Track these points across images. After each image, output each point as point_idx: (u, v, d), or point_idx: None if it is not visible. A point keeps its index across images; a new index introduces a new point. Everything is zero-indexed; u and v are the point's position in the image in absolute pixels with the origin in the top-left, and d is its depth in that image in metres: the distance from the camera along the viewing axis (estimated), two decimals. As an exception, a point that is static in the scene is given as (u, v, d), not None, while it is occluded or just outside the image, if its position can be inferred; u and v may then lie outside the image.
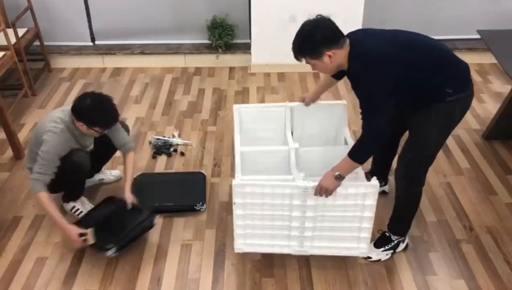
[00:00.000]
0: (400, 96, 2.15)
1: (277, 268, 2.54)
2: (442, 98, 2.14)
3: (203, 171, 3.18)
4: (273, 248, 2.49)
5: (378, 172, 2.86)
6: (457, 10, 4.43)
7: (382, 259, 2.56)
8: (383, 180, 2.94)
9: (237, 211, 2.36)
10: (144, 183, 3.06)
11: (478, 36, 3.21)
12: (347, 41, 2.13)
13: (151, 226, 2.67)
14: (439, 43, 2.22)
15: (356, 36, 2.16)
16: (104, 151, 2.90)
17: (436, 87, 2.14)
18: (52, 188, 2.58)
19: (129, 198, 2.67)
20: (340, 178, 2.19)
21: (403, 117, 2.34)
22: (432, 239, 2.70)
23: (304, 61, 2.18)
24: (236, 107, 2.84)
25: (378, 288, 2.44)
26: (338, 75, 2.42)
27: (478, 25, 3.56)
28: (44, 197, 2.48)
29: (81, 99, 2.52)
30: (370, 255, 2.54)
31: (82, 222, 2.62)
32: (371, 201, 2.28)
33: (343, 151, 2.28)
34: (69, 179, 2.68)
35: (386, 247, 2.56)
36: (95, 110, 2.48)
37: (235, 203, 2.34)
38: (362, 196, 2.27)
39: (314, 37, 2.09)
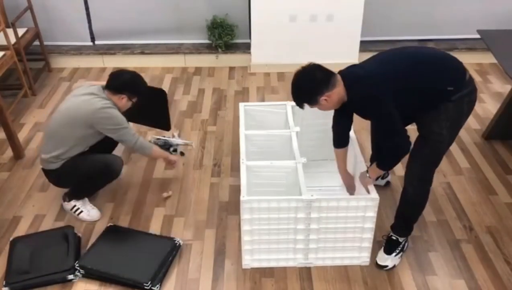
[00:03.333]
0: (407, 105, 2.24)
1: (277, 268, 2.54)
2: (448, 97, 2.21)
3: (178, 240, 2.67)
4: (279, 262, 2.54)
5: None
6: (457, 10, 4.43)
7: (396, 264, 2.55)
8: None
9: (244, 227, 2.40)
10: (109, 239, 2.68)
11: (478, 36, 3.21)
12: (338, 77, 2.25)
13: None
14: (429, 47, 2.36)
15: (347, 69, 2.32)
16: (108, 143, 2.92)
17: (437, 89, 2.21)
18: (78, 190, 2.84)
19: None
20: (370, 178, 2.47)
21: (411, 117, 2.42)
22: (432, 239, 2.70)
23: (304, 106, 2.33)
24: (241, 104, 3.04)
25: (378, 288, 2.44)
26: (345, 140, 2.62)
27: (478, 25, 3.57)
28: (156, 148, 2.92)
29: (119, 76, 2.74)
30: (385, 264, 2.52)
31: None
32: (372, 213, 2.37)
33: None
34: (102, 182, 2.86)
35: (397, 251, 2.55)
36: (136, 82, 2.77)
37: (243, 219, 2.37)
38: (363, 208, 2.36)
39: (306, 89, 2.26)
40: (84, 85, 2.80)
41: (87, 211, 2.84)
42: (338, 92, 2.23)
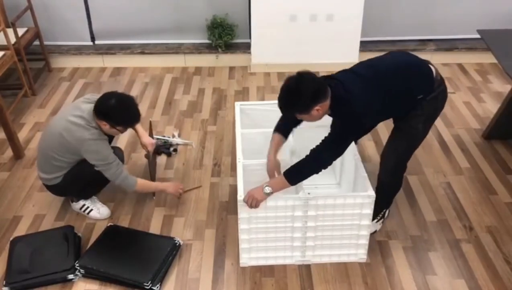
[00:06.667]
0: (385, 114, 2.45)
1: (277, 267, 2.55)
2: (422, 101, 2.34)
3: (178, 240, 2.66)
4: (277, 260, 2.56)
5: None
6: (457, 10, 4.43)
7: (378, 229, 2.72)
8: None
9: (242, 226, 2.41)
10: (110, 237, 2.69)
11: (478, 36, 3.21)
12: (329, 90, 2.19)
13: None
14: (399, 55, 2.46)
15: (332, 81, 2.24)
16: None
17: (410, 100, 2.35)
18: (80, 191, 2.77)
19: (149, 143, 2.93)
20: (268, 193, 2.28)
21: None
22: (432, 239, 2.70)
23: (293, 115, 2.28)
24: (237, 104, 3.04)
25: (378, 288, 2.44)
26: (287, 130, 2.55)
27: (478, 25, 3.56)
28: (141, 183, 2.71)
29: (105, 100, 2.53)
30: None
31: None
32: (368, 210, 2.39)
33: None
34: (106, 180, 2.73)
35: (378, 218, 2.71)
36: (120, 110, 2.52)
37: (240, 217, 2.38)
38: (359, 205, 2.37)
39: (301, 96, 2.14)
40: (83, 98, 2.70)
41: (97, 209, 2.84)
42: (328, 104, 2.21)
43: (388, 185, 2.64)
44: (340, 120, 2.28)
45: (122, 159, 2.85)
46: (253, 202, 2.29)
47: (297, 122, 2.50)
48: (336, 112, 2.27)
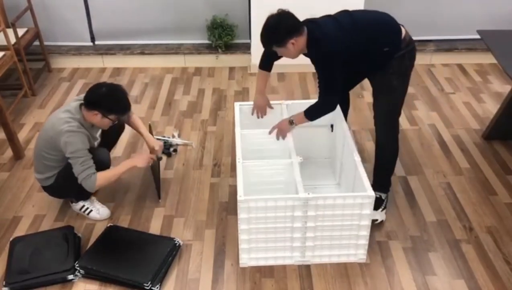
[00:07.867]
0: (356, 64, 2.59)
1: (277, 268, 2.55)
2: (390, 56, 2.51)
3: (178, 240, 2.67)
4: (276, 260, 2.56)
5: None
6: (457, 10, 4.43)
7: (384, 219, 2.77)
8: None
9: (242, 226, 2.41)
10: (111, 238, 2.69)
11: (478, 36, 3.21)
12: (305, 28, 2.46)
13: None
14: (371, 12, 2.67)
15: (312, 24, 2.50)
16: (107, 140, 2.91)
17: (377, 50, 2.52)
18: (69, 192, 2.72)
19: (158, 145, 2.87)
20: (293, 123, 2.71)
21: (358, 78, 2.88)
22: (432, 239, 2.70)
23: (271, 48, 2.50)
24: (237, 104, 3.05)
25: (378, 288, 2.44)
26: (270, 66, 2.86)
27: (478, 25, 3.56)
28: (101, 176, 2.56)
29: (96, 89, 2.57)
30: (375, 218, 2.71)
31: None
32: (368, 210, 2.39)
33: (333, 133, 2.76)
34: None
35: (382, 207, 2.78)
36: (112, 98, 2.54)
37: (240, 218, 2.38)
38: (359, 206, 2.37)
39: (278, 30, 2.43)
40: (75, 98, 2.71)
41: (97, 209, 2.84)
42: (303, 41, 2.44)
43: (384, 144, 2.74)
44: (317, 63, 2.51)
45: (106, 161, 2.74)
46: (282, 133, 2.71)
47: (275, 56, 2.75)
48: (312, 52, 2.49)
